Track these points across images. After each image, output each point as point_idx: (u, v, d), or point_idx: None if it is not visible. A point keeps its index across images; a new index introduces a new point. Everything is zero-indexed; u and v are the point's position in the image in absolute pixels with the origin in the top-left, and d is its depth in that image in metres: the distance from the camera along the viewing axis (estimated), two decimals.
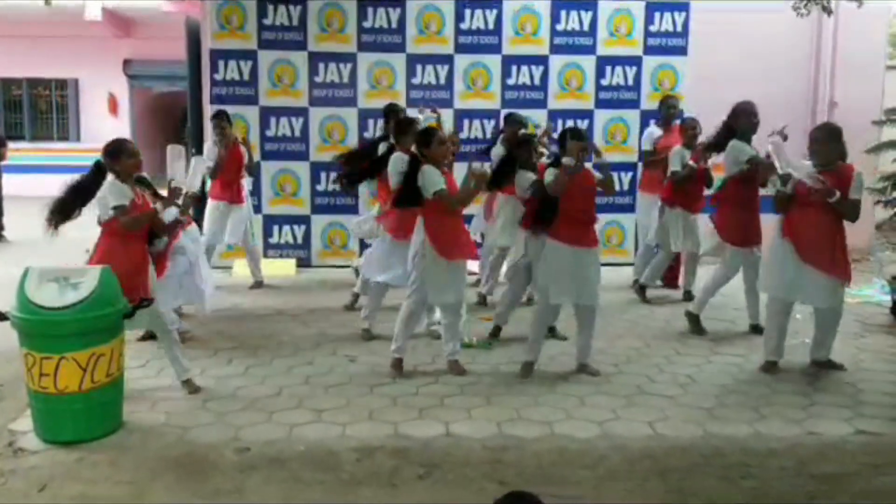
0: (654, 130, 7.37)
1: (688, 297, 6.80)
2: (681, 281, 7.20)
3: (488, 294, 6.82)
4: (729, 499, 3.50)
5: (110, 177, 4.48)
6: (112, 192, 4.45)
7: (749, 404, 4.54)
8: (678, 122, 7.05)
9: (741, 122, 5.69)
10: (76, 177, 4.46)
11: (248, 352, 5.45)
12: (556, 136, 6.35)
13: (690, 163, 6.38)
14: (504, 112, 7.76)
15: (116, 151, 4.51)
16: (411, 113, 6.72)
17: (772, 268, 5.02)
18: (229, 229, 7.28)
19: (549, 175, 4.87)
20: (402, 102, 7.85)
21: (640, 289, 7.04)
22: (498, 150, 6.55)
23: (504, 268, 6.20)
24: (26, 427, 4.08)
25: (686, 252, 6.84)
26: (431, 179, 4.78)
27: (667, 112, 7.28)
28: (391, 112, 6.58)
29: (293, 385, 4.81)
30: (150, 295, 4.54)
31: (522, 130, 6.35)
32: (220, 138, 7.09)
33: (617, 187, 8.37)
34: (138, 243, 4.57)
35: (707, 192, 6.52)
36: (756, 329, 5.88)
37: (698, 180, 6.51)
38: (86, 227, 4.74)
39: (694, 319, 5.99)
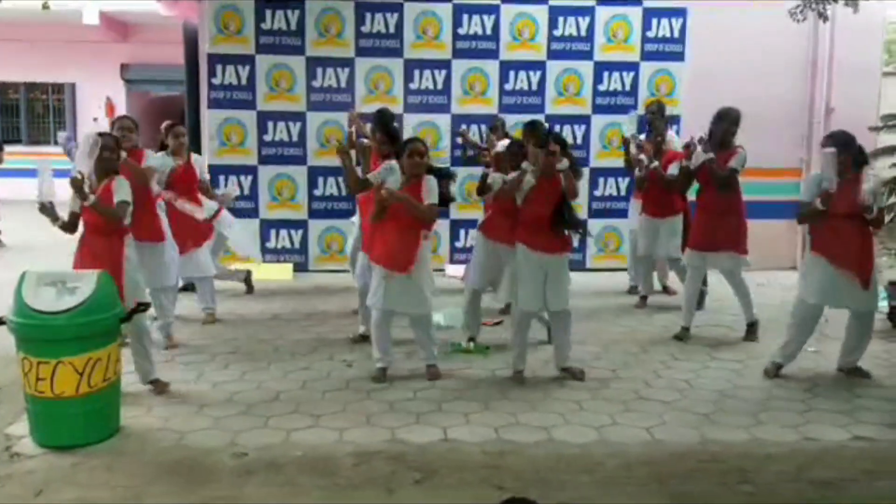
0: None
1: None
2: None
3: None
4: None
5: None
6: None
7: (747, 410, 4.54)
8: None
9: (722, 126, 5.66)
10: None
11: (244, 357, 5.44)
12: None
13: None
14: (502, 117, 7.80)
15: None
16: (409, 118, 6.70)
17: (809, 276, 4.98)
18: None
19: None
20: (399, 107, 7.90)
21: (641, 298, 7.02)
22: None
23: None
24: (23, 431, 4.06)
25: (667, 258, 6.81)
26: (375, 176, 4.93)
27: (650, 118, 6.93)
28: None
29: (290, 390, 4.80)
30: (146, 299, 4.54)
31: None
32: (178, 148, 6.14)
33: (613, 192, 8.50)
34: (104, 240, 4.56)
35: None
36: (752, 325, 5.92)
37: (662, 185, 6.49)
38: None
39: (683, 329, 6.00)
